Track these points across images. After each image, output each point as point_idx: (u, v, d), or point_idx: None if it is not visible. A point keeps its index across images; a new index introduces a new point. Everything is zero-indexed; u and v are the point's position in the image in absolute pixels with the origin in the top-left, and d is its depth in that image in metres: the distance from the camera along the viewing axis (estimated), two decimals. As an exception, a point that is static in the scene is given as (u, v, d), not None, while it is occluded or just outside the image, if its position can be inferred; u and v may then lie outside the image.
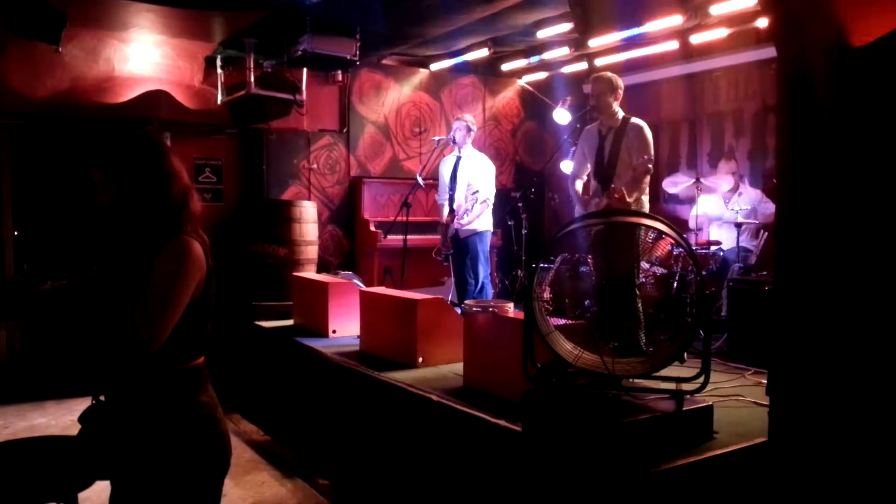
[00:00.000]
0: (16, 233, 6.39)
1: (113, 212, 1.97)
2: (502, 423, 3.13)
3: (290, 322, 5.95)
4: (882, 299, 2.58)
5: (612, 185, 4.57)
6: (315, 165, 7.49)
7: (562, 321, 3.32)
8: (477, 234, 5.98)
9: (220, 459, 2.00)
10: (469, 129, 6.04)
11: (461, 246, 6.00)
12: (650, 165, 4.59)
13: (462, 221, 5.94)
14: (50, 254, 6.37)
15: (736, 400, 3.72)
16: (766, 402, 3.08)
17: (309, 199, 7.31)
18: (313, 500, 4.01)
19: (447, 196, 6.09)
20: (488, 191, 5.98)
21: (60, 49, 5.27)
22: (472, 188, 5.94)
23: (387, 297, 4.74)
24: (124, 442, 1.92)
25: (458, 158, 6.08)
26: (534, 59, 7.51)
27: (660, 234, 3.18)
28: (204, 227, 2.06)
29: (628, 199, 4.48)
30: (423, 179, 6.26)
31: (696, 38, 6.27)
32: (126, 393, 1.95)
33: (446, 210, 6.08)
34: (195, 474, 1.94)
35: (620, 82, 4.73)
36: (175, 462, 1.91)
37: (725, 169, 6.22)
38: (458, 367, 4.02)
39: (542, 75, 8.26)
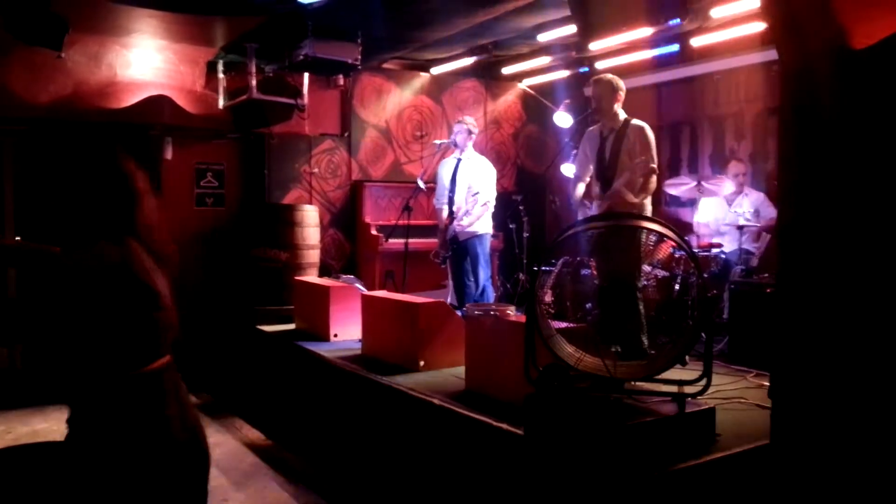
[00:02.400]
0: (17, 237, 6.40)
1: (56, 211, 1.98)
2: (504, 426, 3.13)
3: (291, 326, 5.95)
4: (884, 302, 2.58)
5: (613, 187, 4.56)
6: (316, 169, 7.50)
7: (563, 324, 3.32)
8: (476, 237, 5.96)
9: (167, 471, 1.95)
10: (470, 132, 6.04)
11: (460, 248, 5.98)
12: (652, 165, 4.55)
13: (462, 223, 5.92)
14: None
15: (738, 402, 3.71)
16: (769, 405, 3.07)
17: (310, 203, 7.31)
18: (315, 504, 4.00)
19: (446, 199, 6.07)
20: (489, 193, 5.96)
21: (63, 55, 5.28)
22: (473, 190, 5.93)
23: (388, 301, 4.74)
24: (77, 448, 1.94)
25: (459, 161, 6.06)
26: (535, 63, 7.53)
27: (661, 236, 3.18)
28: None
29: (633, 200, 4.45)
30: (425, 183, 6.26)
31: (697, 41, 6.27)
32: (72, 400, 1.96)
33: (445, 213, 6.07)
34: (139, 484, 1.91)
35: (621, 84, 4.73)
36: (116, 472, 1.89)
37: (734, 170, 6.21)
38: (460, 371, 4.02)
39: (543, 79, 8.26)
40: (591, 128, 5.01)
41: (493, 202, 6.00)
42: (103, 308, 1.87)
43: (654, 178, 4.58)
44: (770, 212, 5.95)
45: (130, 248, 1.94)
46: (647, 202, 4.62)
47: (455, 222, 5.94)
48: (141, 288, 1.94)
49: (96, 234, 1.92)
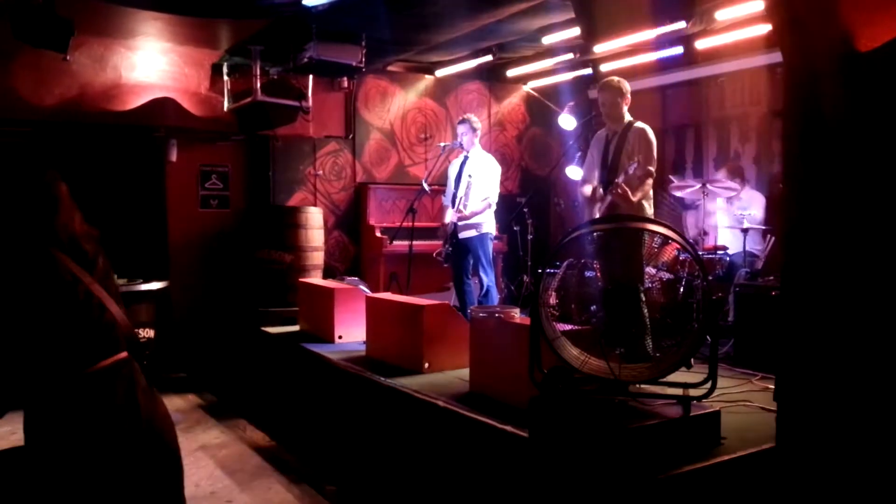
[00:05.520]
0: None
1: None
2: (509, 428, 3.13)
3: (296, 328, 5.96)
4: (890, 304, 2.57)
5: (616, 181, 4.52)
6: (321, 172, 7.52)
7: (568, 327, 3.32)
8: (477, 236, 5.87)
9: (126, 466, 1.96)
10: (474, 130, 5.97)
11: (460, 246, 5.90)
12: (649, 168, 4.51)
13: (459, 212, 5.83)
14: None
15: (743, 405, 3.71)
16: (774, 408, 3.07)
17: (315, 205, 7.32)
18: (320, 506, 4.01)
19: (451, 196, 6.03)
20: (490, 190, 5.87)
21: (68, 57, 5.29)
22: (467, 181, 5.85)
23: (393, 303, 4.75)
24: (33, 452, 1.98)
25: (466, 158, 6.02)
26: (539, 65, 7.53)
27: (665, 239, 3.18)
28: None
29: (632, 198, 4.42)
30: (429, 185, 6.25)
31: (702, 43, 6.27)
32: (24, 405, 2.00)
33: (449, 212, 6.02)
34: (97, 482, 1.93)
35: (628, 86, 4.71)
36: (71, 473, 1.92)
37: (721, 175, 6.23)
38: (465, 373, 4.02)
39: (547, 81, 8.26)
40: (599, 131, 5.00)
41: (494, 198, 5.91)
42: (29, 311, 1.92)
43: (649, 182, 4.53)
44: (761, 215, 5.98)
45: (52, 255, 1.97)
46: (647, 205, 4.59)
47: (453, 211, 5.88)
48: (66, 287, 1.97)
49: (13, 244, 1.98)
